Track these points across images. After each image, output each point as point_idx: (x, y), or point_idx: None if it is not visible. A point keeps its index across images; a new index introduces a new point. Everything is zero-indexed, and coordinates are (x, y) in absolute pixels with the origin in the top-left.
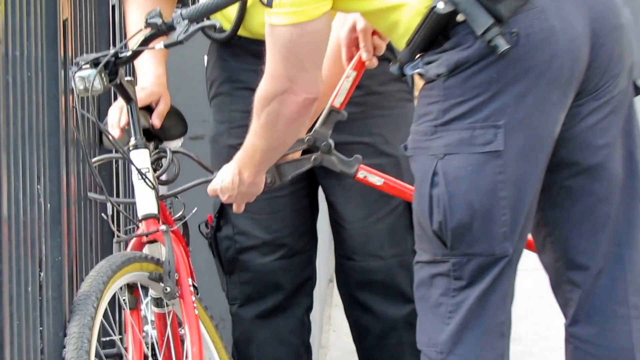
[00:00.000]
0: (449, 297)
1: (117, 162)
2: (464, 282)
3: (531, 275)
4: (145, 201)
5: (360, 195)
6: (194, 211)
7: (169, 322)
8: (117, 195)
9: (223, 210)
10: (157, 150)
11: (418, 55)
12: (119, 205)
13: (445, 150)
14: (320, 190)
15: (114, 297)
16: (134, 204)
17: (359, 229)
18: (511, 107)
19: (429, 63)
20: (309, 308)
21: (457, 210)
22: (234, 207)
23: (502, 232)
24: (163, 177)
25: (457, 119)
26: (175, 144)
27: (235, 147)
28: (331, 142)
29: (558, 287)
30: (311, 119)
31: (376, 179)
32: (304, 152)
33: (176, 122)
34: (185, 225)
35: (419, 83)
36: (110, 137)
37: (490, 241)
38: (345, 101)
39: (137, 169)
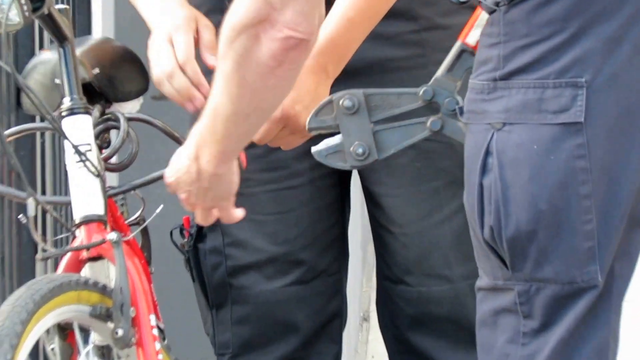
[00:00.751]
0: (517, 345)
1: (42, 135)
2: (535, 322)
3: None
4: (86, 196)
5: (417, 182)
6: (158, 210)
7: None
8: (43, 189)
9: None
10: (104, 117)
11: None
12: (46, 204)
13: (505, 117)
14: (353, 178)
15: (37, 343)
16: (68, 202)
17: (415, 236)
18: (598, 55)
19: None
20: (336, 359)
21: (514, 210)
22: (197, 217)
23: (586, 249)
24: (113, 160)
25: (520, 72)
26: (132, 107)
27: None
28: (459, 99)
29: None
30: (327, 72)
31: None
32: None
33: (133, 74)
34: (145, 232)
35: None
36: (32, 97)
37: (568, 262)
38: None
39: (73, 145)
